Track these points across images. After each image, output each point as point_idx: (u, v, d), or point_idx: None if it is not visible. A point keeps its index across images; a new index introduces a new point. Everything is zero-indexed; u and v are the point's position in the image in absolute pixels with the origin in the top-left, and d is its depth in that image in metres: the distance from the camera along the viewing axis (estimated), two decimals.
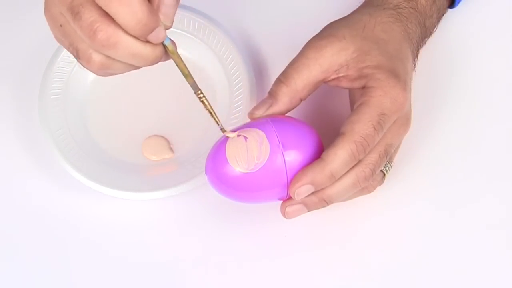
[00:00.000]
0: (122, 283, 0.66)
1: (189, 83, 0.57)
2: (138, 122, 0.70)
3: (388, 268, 0.64)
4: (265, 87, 0.71)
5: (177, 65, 0.56)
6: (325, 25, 0.63)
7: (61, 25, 0.53)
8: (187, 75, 0.57)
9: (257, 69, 0.72)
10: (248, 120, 0.61)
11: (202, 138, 0.69)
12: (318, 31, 0.63)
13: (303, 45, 0.62)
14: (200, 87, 0.57)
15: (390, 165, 0.62)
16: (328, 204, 0.60)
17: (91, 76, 0.71)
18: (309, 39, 0.62)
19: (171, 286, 0.65)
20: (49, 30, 0.71)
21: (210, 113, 0.58)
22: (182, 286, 0.65)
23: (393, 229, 0.65)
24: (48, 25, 0.54)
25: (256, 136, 0.57)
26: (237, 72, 0.69)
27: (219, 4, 0.74)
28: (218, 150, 0.58)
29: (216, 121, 0.58)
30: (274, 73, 0.70)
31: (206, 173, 0.60)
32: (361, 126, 0.57)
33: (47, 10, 0.53)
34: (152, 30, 0.51)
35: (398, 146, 0.63)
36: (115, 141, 0.70)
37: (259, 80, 0.71)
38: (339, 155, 0.56)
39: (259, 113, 0.60)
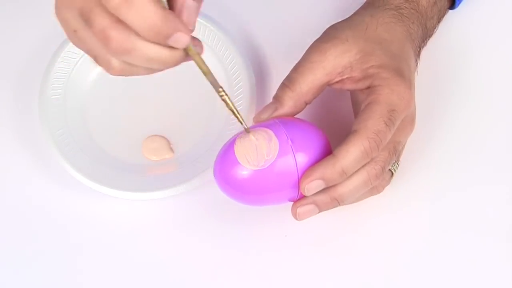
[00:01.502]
0: (122, 283, 0.65)
1: (209, 82, 0.54)
2: (138, 122, 0.70)
3: (390, 268, 0.64)
4: (266, 88, 0.71)
5: (199, 68, 0.53)
6: (326, 26, 0.63)
7: (75, 31, 0.51)
8: (208, 73, 0.54)
9: (258, 70, 0.72)
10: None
11: (202, 137, 0.69)
12: (319, 32, 0.63)
13: (303, 46, 0.62)
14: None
15: (397, 164, 0.62)
16: (339, 204, 0.59)
17: (92, 76, 0.71)
18: (309, 40, 0.62)
19: (171, 286, 0.65)
20: (50, 30, 0.70)
21: (233, 112, 0.56)
22: (182, 286, 0.65)
23: (396, 229, 0.65)
24: (61, 27, 0.52)
25: (265, 134, 0.57)
26: (237, 72, 0.69)
27: (219, 4, 0.74)
28: (226, 152, 0.58)
29: (240, 121, 0.57)
30: (275, 73, 0.70)
31: (214, 177, 0.59)
32: (373, 123, 0.57)
33: (59, 13, 0.51)
34: (168, 36, 0.49)
35: (404, 146, 0.63)
36: (115, 141, 0.69)
37: (259, 81, 0.71)
38: (351, 152, 0.56)
39: (264, 117, 0.60)
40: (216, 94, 0.54)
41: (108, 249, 0.67)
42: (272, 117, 0.60)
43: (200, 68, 0.53)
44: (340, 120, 0.69)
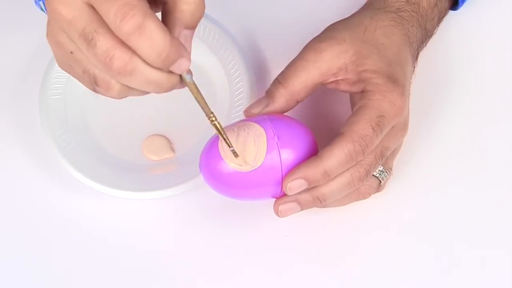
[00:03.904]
0: (122, 283, 0.65)
1: (201, 107, 0.54)
2: (139, 121, 0.70)
3: (390, 269, 0.64)
4: (266, 87, 0.69)
5: (192, 93, 0.53)
6: (326, 25, 0.63)
7: (71, 52, 0.50)
8: (202, 104, 0.54)
9: (257, 68, 0.71)
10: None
11: (203, 137, 0.66)
12: (319, 30, 0.62)
13: (304, 45, 0.62)
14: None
15: (387, 173, 0.62)
16: (321, 204, 0.59)
17: None
18: (310, 39, 0.62)
19: (171, 286, 0.65)
20: None
21: (224, 139, 0.56)
22: (182, 286, 0.65)
23: (395, 230, 0.65)
24: (52, 51, 0.52)
25: (255, 132, 0.57)
26: (237, 72, 0.69)
27: (219, 4, 0.74)
28: (212, 146, 0.58)
29: (228, 144, 0.56)
30: (275, 73, 0.68)
31: (200, 169, 0.59)
32: (359, 127, 0.57)
33: (51, 36, 0.51)
34: (173, 62, 0.49)
35: (396, 152, 0.63)
36: (116, 141, 0.69)
37: (259, 80, 0.70)
38: (335, 153, 0.56)
39: (255, 111, 0.60)
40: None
41: (109, 249, 0.66)
42: (262, 113, 0.60)
43: (193, 94, 0.53)
44: (331, 120, 0.69)
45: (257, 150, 0.57)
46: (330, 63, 0.60)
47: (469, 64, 0.70)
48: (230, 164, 0.57)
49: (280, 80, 0.60)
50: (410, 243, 0.65)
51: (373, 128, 0.57)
